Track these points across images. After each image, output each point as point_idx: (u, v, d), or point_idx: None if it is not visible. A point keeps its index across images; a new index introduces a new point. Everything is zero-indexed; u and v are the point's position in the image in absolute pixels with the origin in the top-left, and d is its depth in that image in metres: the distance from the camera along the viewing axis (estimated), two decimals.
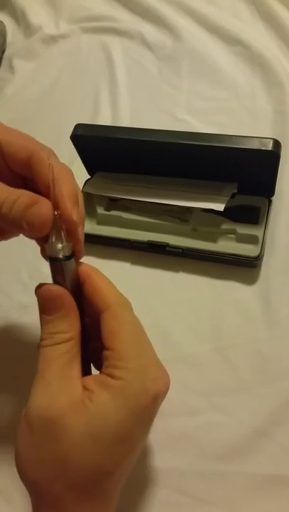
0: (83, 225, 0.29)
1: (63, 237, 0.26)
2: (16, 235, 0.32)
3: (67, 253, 0.26)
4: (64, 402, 0.24)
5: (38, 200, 0.25)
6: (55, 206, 0.26)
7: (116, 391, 0.25)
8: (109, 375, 0.25)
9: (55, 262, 0.26)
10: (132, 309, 0.28)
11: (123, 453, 0.25)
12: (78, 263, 0.29)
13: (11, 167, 0.29)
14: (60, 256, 0.26)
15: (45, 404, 0.24)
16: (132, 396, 0.25)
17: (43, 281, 0.31)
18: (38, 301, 0.27)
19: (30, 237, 0.28)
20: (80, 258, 0.29)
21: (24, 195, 0.25)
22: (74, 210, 0.26)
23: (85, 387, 0.25)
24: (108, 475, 0.25)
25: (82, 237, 0.28)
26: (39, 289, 0.27)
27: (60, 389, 0.25)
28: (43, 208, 0.25)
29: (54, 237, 0.26)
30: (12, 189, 0.26)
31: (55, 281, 0.27)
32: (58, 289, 0.27)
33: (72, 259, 0.27)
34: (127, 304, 0.28)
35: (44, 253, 0.29)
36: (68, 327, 0.26)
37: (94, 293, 0.27)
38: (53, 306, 0.27)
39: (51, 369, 0.25)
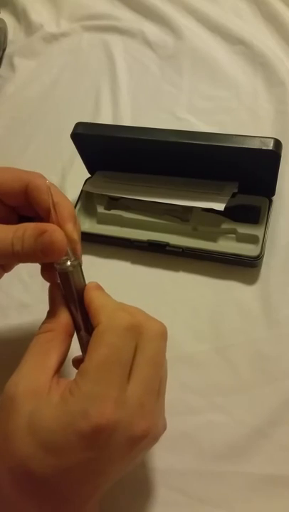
0: (80, 240, 0.31)
1: (70, 253, 0.28)
2: (17, 264, 0.34)
3: (71, 264, 0.28)
4: (24, 385, 0.25)
5: (45, 228, 0.27)
6: (58, 223, 0.28)
7: (62, 403, 0.24)
8: (70, 385, 0.25)
9: (60, 272, 0.28)
10: (126, 332, 0.26)
11: (52, 466, 0.24)
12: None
13: (5, 202, 0.31)
14: (65, 266, 0.28)
15: (13, 381, 0.26)
16: (70, 414, 0.24)
17: (42, 280, 0.32)
18: None
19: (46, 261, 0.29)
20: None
21: (28, 228, 0.27)
22: (74, 230, 0.29)
23: (56, 382, 0.26)
24: (41, 478, 0.24)
25: (80, 252, 0.30)
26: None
27: (27, 372, 0.26)
28: (55, 234, 0.26)
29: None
30: (13, 226, 0.27)
31: (64, 288, 0.29)
32: (51, 288, 0.30)
33: (77, 269, 0.29)
34: (118, 326, 0.26)
35: (44, 273, 0.31)
36: (53, 320, 0.28)
37: (89, 309, 0.28)
38: (49, 301, 0.29)
39: (28, 353, 0.27)
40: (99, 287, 0.29)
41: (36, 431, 0.24)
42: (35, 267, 0.46)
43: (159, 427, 0.27)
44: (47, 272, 0.31)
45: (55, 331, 0.28)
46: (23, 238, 0.27)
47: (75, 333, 0.29)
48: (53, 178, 0.52)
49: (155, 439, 0.27)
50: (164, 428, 0.28)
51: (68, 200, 0.30)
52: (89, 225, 0.47)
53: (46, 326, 0.28)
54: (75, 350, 0.29)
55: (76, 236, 0.29)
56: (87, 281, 0.30)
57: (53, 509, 0.25)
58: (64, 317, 0.28)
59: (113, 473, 0.26)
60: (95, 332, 0.26)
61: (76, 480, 0.24)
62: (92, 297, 0.28)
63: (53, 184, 0.30)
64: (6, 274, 0.35)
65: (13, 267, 0.35)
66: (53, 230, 0.26)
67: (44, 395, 0.25)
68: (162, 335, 0.27)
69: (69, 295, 0.29)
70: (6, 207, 0.32)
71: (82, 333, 0.28)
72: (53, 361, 0.26)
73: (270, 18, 0.61)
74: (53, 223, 0.28)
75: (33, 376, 0.26)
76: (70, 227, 0.28)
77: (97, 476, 0.25)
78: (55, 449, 0.23)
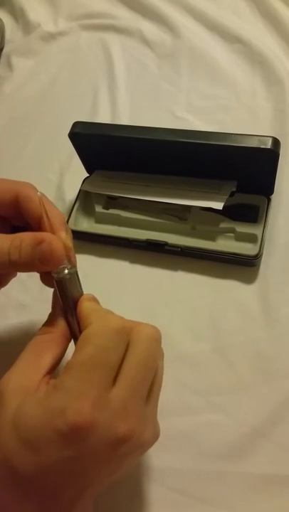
0: (73, 250, 0.31)
1: (66, 261, 0.29)
2: (14, 276, 0.35)
3: (68, 271, 0.28)
4: (14, 382, 0.25)
5: (42, 238, 0.27)
6: (52, 231, 0.29)
7: (44, 398, 0.24)
8: (55, 381, 0.25)
9: (57, 280, 0.29)
10: (115, 335, 0.25)
11: (33, 464, 0.23)
12: None
13: None
14: (63, 274, 0.28)
15: (5, 378, 0.26)
16: (50, 410, 0.24)
17: (41, 281, 0.32)
18: None
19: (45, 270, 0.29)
20: None
21: (25, 238, 0.27)
22: (68, 237, 0.29)
23: (46, 382, 0.26)
24: (23, 476, 0.24)
25: (74, 258, 0.30)
26: None
27: (20, 370, 0.26)
28: (53, 243, 0.27)
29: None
30: (9, 236, 0.28)
31: (60, 295, 0.29)
32: (54, 291, 0.29)
33: (74, 276, 0.29)
34: (108, 327, 0.26)
35: (44, 280, 0.31)
36: (51, 323, 0.29)
37: (80, 315, 0.28)
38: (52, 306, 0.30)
39: (24, 352, 0.27)
40: (94, 298, 0.30)
41: (19, 426, 0.24)
42: None
43: (145, 433, 0.26)
44: (47, 278, 0.31)
45: (52, 333, 0.28)
46: (20, 248, 0.27)
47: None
48: (51, 177, 0.52)
49: (142, 445, 0.26)
50: (156, 436, 0.28)
51: (57, 209, 0.31)
52: (87, 225, 0.47)
53: (44, 328, 0.29)
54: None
55: (69, 243, 0.29)
56: (85, 284, 0.30)
57: (38, 509, 0.25)
58: (61, 321, 0.29)
59: (99, 475, 0.25)
60: (84, 332, 0.26)
61: (58, 480, 0.24)
62: (85, 304, 0.29)
63: (43, 194, 0.31)
64: None
65: (9, 281, 0.35)
66: (51, 239, 0.27)
67: (32, 392, 0.25)
68: (154, 338, 0.27)
69: (65, 303, 0.29)
70: None
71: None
72: (45, 361, 0.27)
73: (269, 16, 0.61)
74: (46, 232, 0.28)
75: (23, 374, 0.26)
76: (63, 235, 0.29)
77: (81, 477, 0.25)
78: (34, 445, 0.23)
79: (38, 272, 0.30)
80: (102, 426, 0.24)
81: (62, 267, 0.28)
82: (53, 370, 0.27)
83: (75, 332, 0.29)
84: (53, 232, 0.29)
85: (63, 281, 0.28)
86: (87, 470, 0.25)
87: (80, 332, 0.28)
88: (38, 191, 0.30)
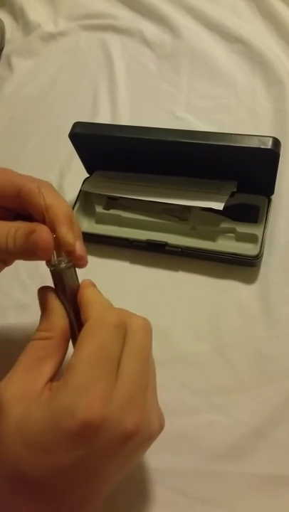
0: (81, 240, 0.30)
1: (62, 254, 0.28)
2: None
3: (63, 266, 0.28)
4: (15, 390, 0.25)
5: (35, 228, 0.27)
6: (52, 230, 0.28)
7: (50, 399, 0.24)
8: (58, 382, 0.25)
9: (53, 273, 0.29)
10: (114, 329, 0.26)
11: (44, 466, 0.23)
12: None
13: (1, 204, 0.31)
14: (58, 268, 0.28)
15: (2, 385, 0.25)
16: (58, 411, 0.23)
17: (41, 280, 0.31)
18: None
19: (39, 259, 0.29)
20: (84, 266, 0.30)
21: (21, 227, 0.28)
22: (69, 233, 0.28)
23: (49, 388, 0.26)
24: (34, 480, 0.24)
25: (81, 253, 0.29)
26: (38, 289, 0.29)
27: (20, 377, 0.26)
28: (42, 233, 0.27)
29: (53, 255, 0.28)
30: (9, 223, 0.28)
31: (56, 289, 0.29)
32: (44, 291, 0.29)
33: (69, 271, 0.29)
34: (106, 322, 0.26)
35: None
36: (49, 327, 0.27)
37: (80, 304, 0.28)
38: (41, 305, 0.29)
39: (23, 359, 0.26)
40: (92, 284, 0.30)
41: (25, 432, 0.24)
42: (34, 268, 0.46)
43: (151, 423, 0.26)
44: None
45: (51, 338, 0.27)
46: (15, 236, 0.27)
47: None
48: (51, 177, 0.52)
49: (150, 437, 0.27)
50: (161, 427, 0.28)
51: (64, 202, 0.30)
52: (87, 225, 0.47)
53: (41, 333, 0.27)
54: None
55: (70, 239, 0.28)
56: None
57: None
58: (60, 323, 0.28)
59: (109, 473, 0.25)
60: (84, 327, 0.26)
61: (70, 480, 0.24)
62: (85, 293, 0.28)
63: (50, 185, 0.30)
64: (4, 274, 0.34)
65: (13, 261, 0.34)
66: (40, 231, 0.27)
67: (35, 398, 0.25)
68: (146, 329, 0.27)
69: (62, 297, 0.28)
70: (6, 211, 0.32)
71: (78, 334, 0.28)
72: (47, 368, 0.26)
73: (269, 16, 0.61)
74: (51, 226, 0.28)
75: (24, 381, 0.25)
76: (63, 229, 0.28)
77: (92, 476, 0.25)
78: (44, 449, 0.23)
79: (32, 260, 0.29)
80: (112, 420, 0.24)
81: (58, 260, 0.28)
82: (54, 376, 0.27)
83: (73, 327, 0.28)
84: (52, 227, 0.28)
85: (59, 275, 0.28)
86: (97, 468, 0.25)
87: (79, 325, 0.28)
88: (43, 184, 0.30)
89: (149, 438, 0.27)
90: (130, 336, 0.26)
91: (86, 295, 0.28)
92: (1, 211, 0.32)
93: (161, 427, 0.28)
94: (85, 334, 0.26)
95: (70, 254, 0.29)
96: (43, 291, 0.29)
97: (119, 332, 0.26)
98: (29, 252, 0.27)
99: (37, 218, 0.29)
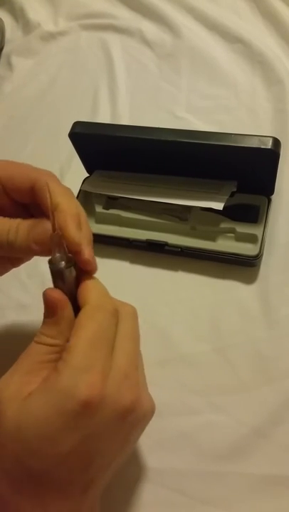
0: (91, 245, 0.29)
1: (64, 251, 0.28)
2: (28, 259, 0.35)
3: (63, 264, 0.28)
4: (14, 389, 0.25)
5: (37, 221, 0.28)
6: (53, 224, 0.27)
7: (48, 384, 0.24)
8: (54, 367, 0.25)
9: (52, 271, 0.28)
10: (110, 316, 0.27)
11: (50, 455, 0.24)
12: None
13: (14, 199, 0.31)
14: (58, 266, 0.28)
15: (1, 384, 0.25)
16: (59, 392, 0.24)
17: (41, 280, 0.32)
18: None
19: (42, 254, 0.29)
20: (94, 273, 0.30)
21: (23, 221, 0.28)
22: (76, 233, 0.28)
23: None
24: (36, 474, 0.24)
25: (89, 257, 0.28)
26: (45, 290, 0.28)
27: (20, 380, 0.26)
28: (44, 225, 0.27)
29: (55, 251, 0.28)
30: (10, 219, 0.29)
31: (55, 287, 0.28)
32: (53, 296, 0.27)
33: (68, 270, 0.28)
34: (104, 308, 0.27)
35: None
36: (56, 334, 0.27)
37: (80, 289, 0.28)
38: (47, 309, 0.27)
39: (24, 361, 0.26)
40: (93, 276, 0.30)
41: (26, 426, 0.24)
42: (34, 268, 0.46)
43: (144, 402, 0.27)
44: None
45: (57, 346, 0.26)
46: (17, 229, 0.28)
47: None
48: None
49: (144, 417, 0.28)
50: (153, 408, 0.29)
51: (74, 201, 0.30)
52: None
53: (47, 339, 0.27)
54: None
55: (78, 239, 0.28)
56: None
57: (53, 506, 0.25)
58: (69, 332, 0.27)
59: (109, 455, 0.26)
60: (83, 310, 0.26)
61: (74, 466, 0.25)
62: (85, 280, 0.29)
63: (61, 185, 0.30)
64: (4, 274, 0.35)
65: (22, 262, 0.35)
66: (43, 223, 0.28)
67: (30, 394, 0.25)
68: (135, 315, 0.29)
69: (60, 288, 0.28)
70: (16, 204, 0.32)
71: None
72: (48, 372, 0.26)
73: (269, 16, 0.61)
74: (54, 226, 0.28)
75: (23, 384, 0.25)
76: (70, 229, 0.28)
77: (94, 458, 0.25)
78: (48, 436, 0.24)
79: (34, 254, 0.29)
80: (110, 398, 0.24)
81: (58, 256, 0.27)
82: None
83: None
84: (59, 225, 0.28)
85: (60, 273, 0.28)
86: (98, 450, 0.25)
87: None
88: (52, 180, 0.30)
89: (143, 417, 0.28)
90: (122, 321, 0.28)
91: (86, 282, 0.28)
92: (16, 208, 0.32)
93: (153, 408, 0.29)
94: (84, 317, 0.26)
95: (76, 255, 0.28)
96: (52, 294, 0.27)
97: (114, 318, 0.27)
98: (32, 244, 0.27)
99: (46, 214, 0.29)
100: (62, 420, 0.23)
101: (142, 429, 0.29)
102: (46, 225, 0.27)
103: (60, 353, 0.26)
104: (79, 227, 0.29)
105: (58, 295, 0.27)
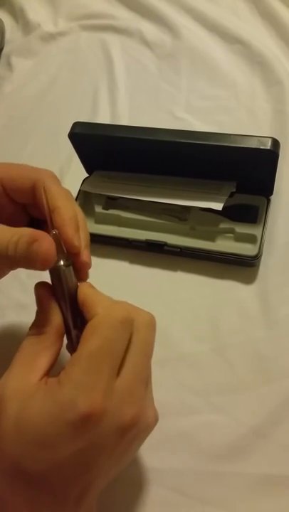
0: (88, 248, 0.30)
1: (62, 250, 0.28)
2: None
3: (61, 264, 0.28)
4: (12, 386, 0.25)
5: (38, 237, 0.26)
6: (52, 226, 0.28)
7: (49, 392, 0.24)
8: (59, 375, 0.25)
9: (51, 271, 0.28)
10: (121, 327, 0.26)
11: (46, 460, 0.24)
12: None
13: (15, 199, 0.31)
14: (56, 265, 0.28)
15: (1, 383, 0.26)
16: (59, 404, 0.24)
17: (41, 280, 0.31)
18: None
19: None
20: (86, 279, 0.30)
21: (24, 235, 0.26)
22: (75, 235, 0.28)
23: (44, 382, 0.26)
24: (31, 478, 0.24)
25: (87, 259, 0.29)
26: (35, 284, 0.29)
27: (16, 373, 0.26)
28: (43, 243, 0.26)
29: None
30: (13, 230, 0.27)
31: (53, 286, 0.29)
32: (39, 287, 0.28)
33: (67, 270, 0.28)
34: (114, 319, 0.26)
35: None
36: (43, 322, 0.27)
37: (85, 302, 0.28)
38: (36, 302, 0.28)
39: (18, 355, 0.27)
40: (92, 286, 0.29)
41: (24, 428, 0.24)
42: None
43: (148, 415, 0.27)
44: None
45: (45, 333, 0.27)
46: (17, 243, 0.26)
47: None
48: None
49: (146, 429, 0.27)
50: (156, 419, 0.28)
51: (72, 203, 0.30)
52: (87, 225, 0.47)
53: (36, 328, 0.28)
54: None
55: (77, 242, 0.28)
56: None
57: (47, 509, 0.25)
58: (55, 319, 0.28)
59: (106, 466, 0.26)
60: (90, 323, 0.26)
61: (68, 474, 0.25)
62: (88, 292, 0.28)
63: (60, 186, 0.30)
64: None
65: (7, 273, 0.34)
66: (42, 241, 0.26)
67: (31, 394, 0.25)
68: (152, 325, 0.28)
69: (59, 294, 0.28)
70: (16, 205, 0.32)
71: (73, 332, 0.28)
72: (42, 363, 0.26)
73: (268, 17, 0.61)
74: (52, 227, 0.28)
75: (20, 377, 0.26)
76: (68, 232, 0.28)
77: (90, 469, 0.25)
78: (46, 442, 0.24)
79: (31, 269, 0.28)
80: (112, 412, 0.24)
81: (58, 256, 0.28)
82: (49, 371, 0.27)
83: (68, 324, 0.28)
84: (58, 228, 0.28)
85: (58, 273, 0.28)
86: (96, 461, 0.25)
87: (75, 323, 0.28)
88: (52, 180, 0.30)
89: (145, 430, 0.27)
90: (136, 331, 0.27)
91: (90, 294, 0.28)
92: (15, 209, 0.32)
93: (156, 419, 0.28)
94: (89, 330, 0.26)
95: (75, 257, 0.28)
96: (38, 288, 0.29)
97: (126, 328, 0.26)
98: (29, 261, 0.26)
99: (46, 216, 0.29)
100: (60, 430, 0.23)
101: (142, 442, 0.29)
102: (44, 243, 0.26)
103: (50, 341, 0.27)
104: (77, 229, 0.29)
105: (41, 287, 0.28)
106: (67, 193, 0.31)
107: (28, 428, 0.24)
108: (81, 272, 0.29)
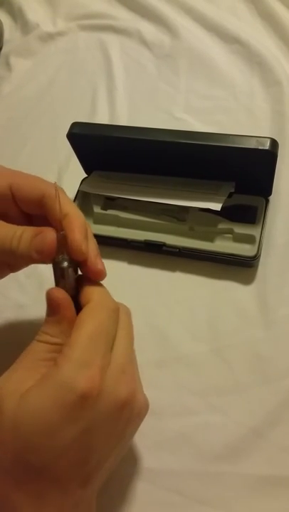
0: (100, 258, 0.30)
1: (68, 251, 0.29)
2: (24, 266, 0.35)
3: (66, 264, 0.29)
4: (13, 387, 0.25)
5: (41, 230, 0.28)
6: (61, 228, 0.29)
7: (47, 378, 0.25)
8: (56, 359, 0.25)
9: (55, 270, 0.29)
10: (112, 313, 0.28)
11: (48, 449, 0.24)
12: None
13: (22, 208, 0.32)
14: (61, 265, 0.28)
15: (2, 381, 0.26)
16: (58, 385, 0.24)
17: (39, 281, 0.32)
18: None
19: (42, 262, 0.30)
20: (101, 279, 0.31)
21: (28, 229, 0.29)
22: (84, 241, 0.29)
23: None
24: (35, 470, 0.24)
25: (100, 268, 0.30)
26: (48, 290, 0.28)
27: (20, 377, 0.26)
28: (47, 234, 0.28)
29: (59, 251, 0.29)
30: (16, 226, 0.29)
31: (57, 284, 0.29)
32: (56, 296, 0.28)
33: (72, 269, 0.29)
34: (107, 306, 0.28)
35: None
36: (58, 333, 0.27)
37: (83, 288, 0.29)
38: (50, 308, 0.28)
39: (25, 358, 0.27)
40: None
41: (25, 420, 0.24)
42: (32, 268, 0.46)
43: (140, 399, 0.28)
44: None
45: (59, 344, 0.27)
46: (20, 237, 0.28)
47: None
48: (49, 177, 0.51)
49: (139, 414, 0.29)
50: (147, 405, 0.30)
51: (80, 213, 0.31)
52: None
53: (49, 337, 0.27)
54: None
55: (85, 249, 0.29)
56: None
57: (52, 502, 0.25)
58: (71, 332, 0.27)
59: (106, 448, 0.27)
60: (86, 307, 0.27)
61: (72, 460, 0.25)
62: (88, 280, 0.29)
63: (70, 200, 0.31)
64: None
65: (21, 268, 0.35)
66: (46, 232, 0.28)
67: (29, 390, 0.25)
68: (130, 314, 0.31)
69: (61, 287, 0.29)
70: (22, 215, 0.33)
71: None
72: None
73: (267, 17, 0.61)
74: (60, 228, 0.29)
75: (23, 381, 0.26)
76: (77, 238, 0.29)
77: (92, 450, 0.26)
78: (47, 430, 0.24)
79: (34, 262, 0.30)
80: (108, 390, 0.25)
81: (61, 257, 0.28)
82: None
83: None
84: (67, 232, 0.29)
85: (62, 270, 0.28)
86: (97, 443, 0.26)
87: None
88: (57, 187, 0.31)
89: (138, 413, 0.29)
90: (122, 318, 0.29)
91: (89, 282, 0.29)
92: (23, 219, 0.33)
93: (147, 405, 0.30)
94: (86, 313, 0.27)
95: (83, 264, 0.29)
96: (56, 294, 0.28)
97: (115, 315, 0.28)
98: (33, 252, 0.28)
99: (54, 225, 0.30)
100: (60, 412, 0.24)
101: (137, 426, 0.30)
102: (48, 235, 0.28)
103: (60, 351, 0.26)
104: (86, 236, 0.30)
105: (62, 294, 0.28)
106: (72, 202, 0.32)
107: (26, 420, 0.24)
108: (95, 281, 0.30)
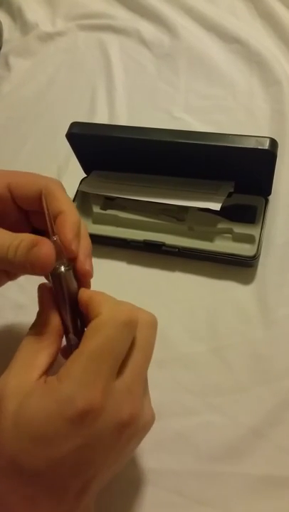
0: (90, 258, 0.30)
1: (62, 256, 0.28)
2: (22, 275, 0.35)
3: (62, 269, 0.28)
4: (12, 384, 0.25)
5: (38, 242, 0.27)
6: (53, 232, 0.28)
7: (48, 389, 0.25)
8: (59, 372, 0.25)
9: (51, 275, 0.29)
10: (124, 327, 0.26)
11: (43, 457, 0.24)
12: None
13: (21, 206, 0.32)
14: (56, 271, 0.28)
15: (1, 382, 0.26)
16: (58, 400, 0.24)
17: (38, 281, 0.32)
18: None
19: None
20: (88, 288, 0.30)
21: (25, 240, 0.27)
22: (74, 240, 0.28)
23: (44, 381, 0.26)
24: (29, 475, 0.24)
25: (87, 268, 0.29)
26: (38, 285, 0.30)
27: (16, 372, 0.26)
28: (43, 248, 0.26)
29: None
30: (14, 234, 0.28)
31: (54, 289, 0.29)
32: (41, 288, 0.30)
33: (68, 274, 0.28)
34: (118, 320, 0.26)
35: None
36: (43, 322, 0.28)
37: (90, 302, 0.28)
38: (38, 302, 0.29)
39: (18, 353, 0.27)
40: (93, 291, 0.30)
41: (23, 425, 0.24)
42: None
43: (146, 414, 0.27)
44: None
45: (45, 333, 0.28)
46: (17, 247, 0.27)
47: None
48: None
49: (144, 428, 0.28)
50: (153, 419, 0.29)
51: (74, 210, 0.30)
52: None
53: (36, 327, 0.28)
54: None
55: (75, 248, 0.28)
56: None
57: (46, 507, 0.25)
58: (54, 319, 0.28)
59: (105, 463, 0.26)
60: (93, 322, 0.26)
61: (67, 472, 0.25)
62: (92, 292, 0.29)
63: (66, 196, 0.31)
64: None
65: (19, 276, 0.35)
66: (42, 245, 0.26)
67: (29, 391, 0.25)
68: (154, 326, 0.28)
69: (60, 298, 0.29)
70: (20, 212, 0.32)
71: (71, 335, 0.29)
72: (41, 361, 0.27)
73: (267, 16, 0.61)
74: (52, 232, 0.28)
75: (20, 375, 0.26)
76: (68, 236, 0.28)
77: (89, 465, 0.25)
78: (43, 439, 0.24)
79: (31, 274, 0.29)
80: (110, 409, 0.24)
81: (58, 263, 0.28)
82: (48, 370, 0.27)
83: (67, 327, 0.29)
84: (57, 231, 0.28)
85: (58, 277, 0.28)
86: (96, 457, 0.25)
87: (74, 326, 0.29)
88: (57, 187, 0.30)
89: (143, 428, 0.28)
90: (139, 331, 0.27)
91: (95, 294, 0.28)
92: (19, 217, 0.32)
93: (153, 418, 0.29)
94: (92, 329, 0.26)
95: (74, 263, 0.29)
96: (40, 289, 0.30)
97: (129, 329, 0.26)
98: (28, 265, 0.27)
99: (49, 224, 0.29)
100: (58, 426, 0.23)
101: (140, 440, 0.29)
102: (45, 248, 0.26)
103: (49, 340, 0.27)
104: (77, 234, 0.29)
105: (45, 287, 0.29)
106: (69, 199, 0.31)
107: (26, 425, 0.24)
108: (82, 281, 0.29)
